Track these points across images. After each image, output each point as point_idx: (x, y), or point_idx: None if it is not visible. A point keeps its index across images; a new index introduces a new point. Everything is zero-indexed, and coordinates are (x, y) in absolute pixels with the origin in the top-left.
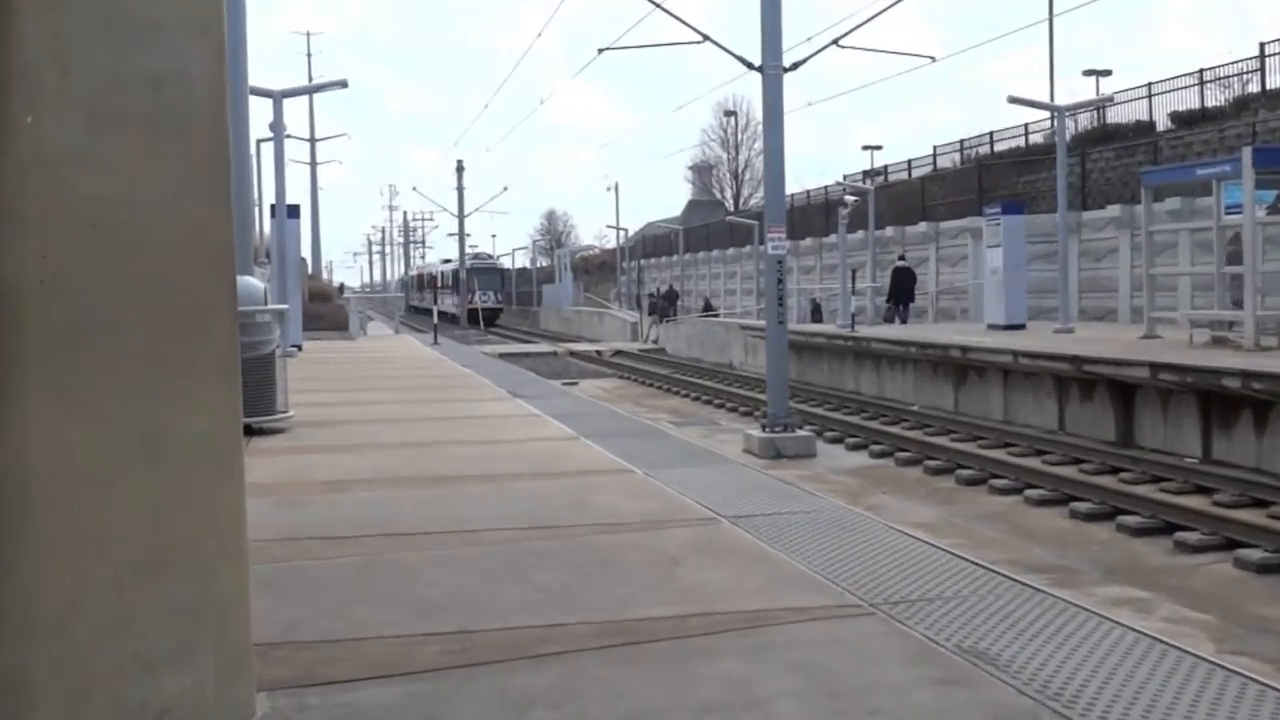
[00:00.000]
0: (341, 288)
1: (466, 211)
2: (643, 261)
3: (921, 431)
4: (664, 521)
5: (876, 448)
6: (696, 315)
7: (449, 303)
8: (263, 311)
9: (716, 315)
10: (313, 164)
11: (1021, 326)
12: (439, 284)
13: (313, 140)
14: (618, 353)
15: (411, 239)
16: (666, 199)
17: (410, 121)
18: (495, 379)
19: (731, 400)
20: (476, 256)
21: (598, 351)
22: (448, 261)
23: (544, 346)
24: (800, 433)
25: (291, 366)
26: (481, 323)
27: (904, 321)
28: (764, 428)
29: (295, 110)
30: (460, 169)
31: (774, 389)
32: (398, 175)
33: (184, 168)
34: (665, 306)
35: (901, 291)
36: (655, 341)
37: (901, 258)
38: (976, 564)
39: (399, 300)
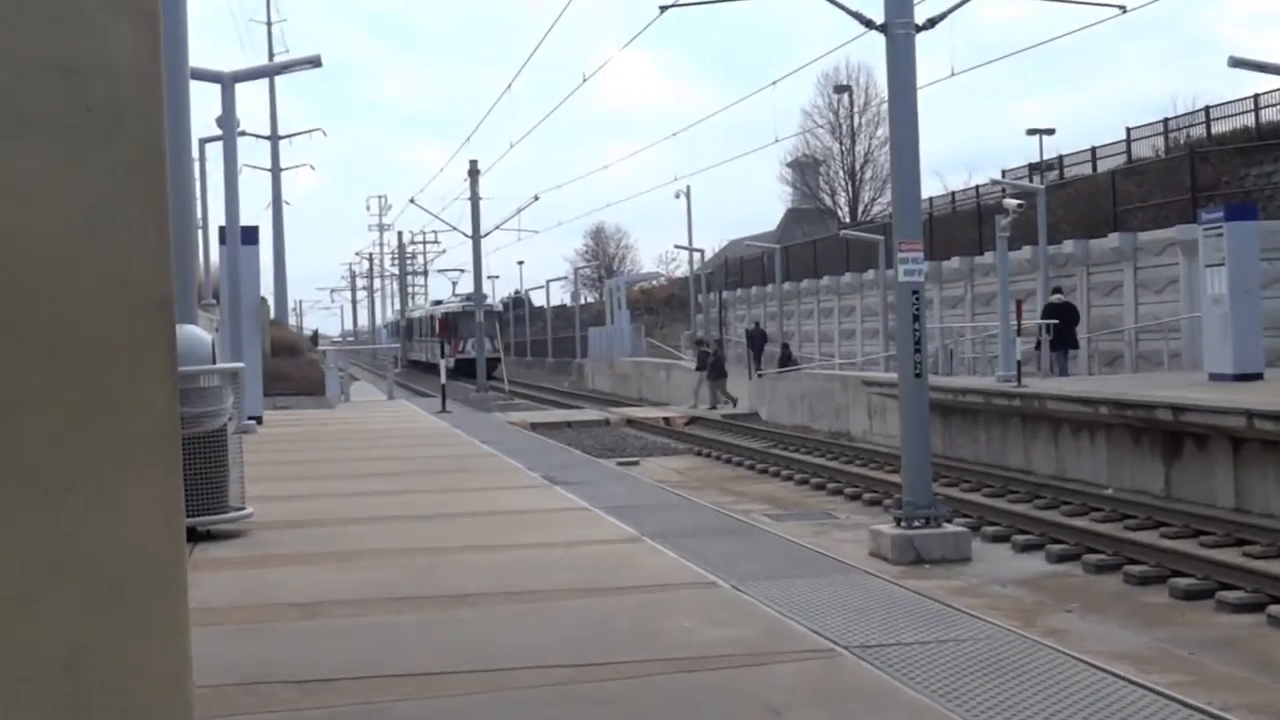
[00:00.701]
0: (315, 337)
1: (484, 230)
2: (725, 294)
3: (1120, 525)
4: (763, 655)
5: (1057, 548)
6: (804, 366)
7: (437, 354)
8: (210, 372)
9: (797, 367)
10: (275, 170)
11: (1258, 376)
12: (420, 331)
13: (274, 138)
14: (693, 420)
15: (410, 269)
16: (757, 209)
17: (408, 111)
18: (526, 459)
19: (852, 483)
20: (468, 299)
21: (666, 419)
22: (438, 304)
23: (591, 413)
24: (949, 528)
25: (250, 446)
26: (478, 376)
27: (1063, 373)
28: (898, 522)
29: (252, 99)
30: (474, 173)
31: (911, 467)
32: (391, 184)
33: (108, 185)
34: (752, 354)
35: (1060, 334)
36: (724, 404)
37: (1057, 289)
38: (1206, 713)
39: (393, 352)
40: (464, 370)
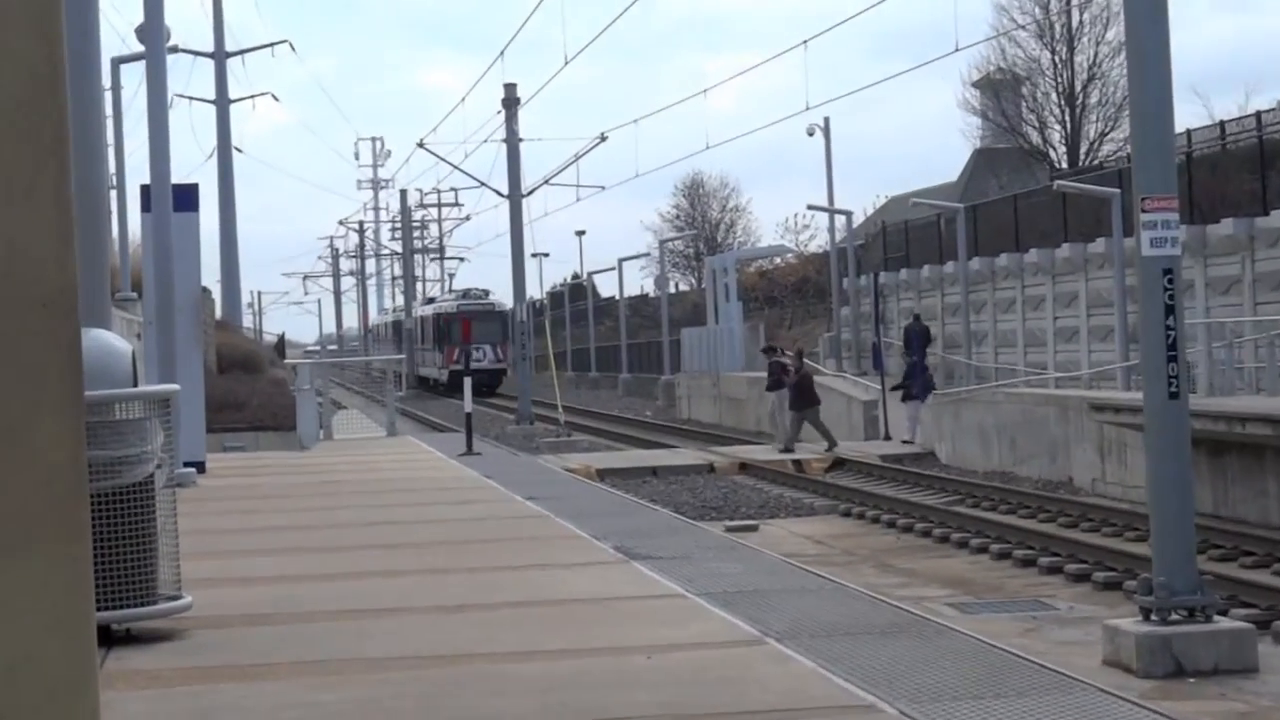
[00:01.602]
0: (282, 346)
1: (526, 185)
2: (884, 278)
3: None
4: None
5: None
6: (999, 384)
7: (431, 365)
8: (129, 399)
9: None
10: (221, 102)
11: None
12: (424, 337)
13: (220, 55)
14: (839, 463)
15: (417, 243)
16: (928, 152)
17: (415, 14)
18: (592, 522)
19: (1076, 557)
20: (466, 295)
21: (797, 463)
22: (430, 301)
23: (686, 453)
24: (1224, 623)
25: (189, 505)
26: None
27: None
28: (1147, 614)
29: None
30: (511, 102)
31: (1166, 532)
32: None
33: None
34: (917, 365)
35: None
36: (817, 447)
37: None
38: None
39: (395, 366)
40: (459, 386)
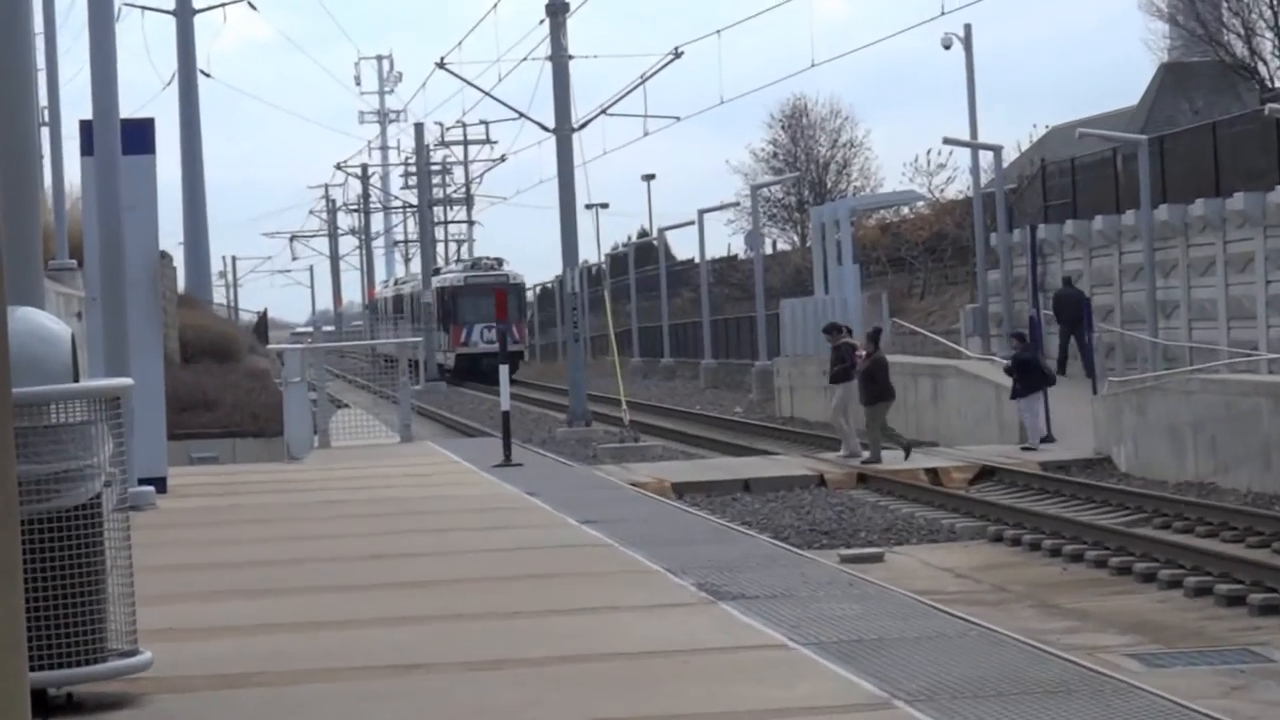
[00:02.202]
0: (264, 326)
1: (579, 117)
2: (1043, 231)
3: None
4: None
5: None
6: (1202, 370)
7: (436, 347)
8: (67, 396)
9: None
10: (183, 12)
11: None
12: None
13: None
14: (986, 471)
15: (438, 194)
16: (1099, 67)
17: None
18: (666, 552)
19: None
20: (476, 265)
21: (932, 472)
22: (436, 273)
23: (788, 461)
24: None
25: (146, 533)
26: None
27: None
28: None
29: None
30: (559, 8)
31: None
32: (399, 34)
33: None
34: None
35: None
36: (870, 453)
37: None
38: None
39: (410, 349)
40: (470, 373)
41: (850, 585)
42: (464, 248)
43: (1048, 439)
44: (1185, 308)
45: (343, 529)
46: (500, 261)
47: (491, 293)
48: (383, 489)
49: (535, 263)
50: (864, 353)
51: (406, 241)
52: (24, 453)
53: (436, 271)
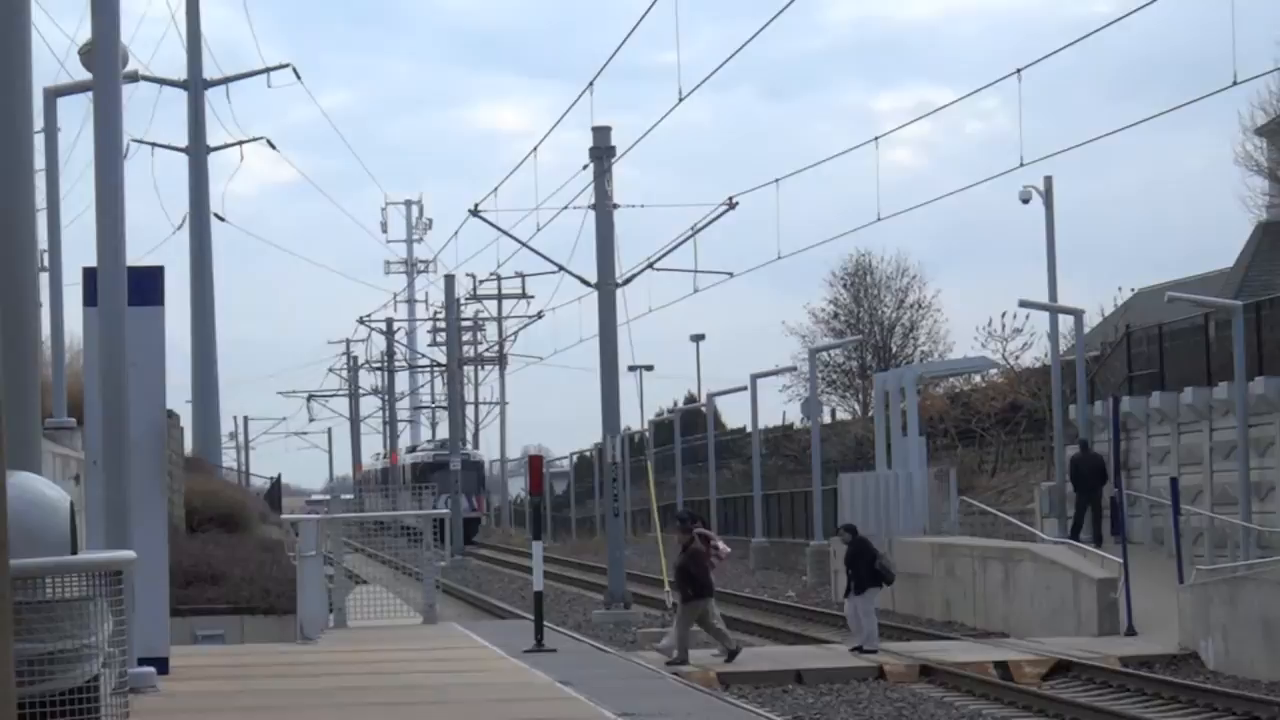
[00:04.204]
0: (276, 493)
1: (623, 271)
2: (1128, 402)
3: None
4: None
5: None
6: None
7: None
8: (65, 569)
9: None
10: (197, 151)
11: None
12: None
13: (195, 85)
14: (1061, 666)
15: (470, 352)
16: (1191, 226)
17: (468, 25)
18: None
19: None
20: (442, 446)
21: (1002, 665)
22: (413, 450)
23: (845, 652)
24: None
25: (146, 718)
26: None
27: None
28: None
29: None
30: (603, 152)
31: None
32: (432, 179)
33: None
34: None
35: None
36: (720, 653)
37: None
38: None
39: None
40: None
41: None
42: (495, 410)
43: (1132, 631)
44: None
45: (360, 718)
46: (464, 441)
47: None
48: (404, 674)
49: (572, 428)
50: (718, 544)
51: (434, 404)
52: (17, 630)
53: (413, 449)
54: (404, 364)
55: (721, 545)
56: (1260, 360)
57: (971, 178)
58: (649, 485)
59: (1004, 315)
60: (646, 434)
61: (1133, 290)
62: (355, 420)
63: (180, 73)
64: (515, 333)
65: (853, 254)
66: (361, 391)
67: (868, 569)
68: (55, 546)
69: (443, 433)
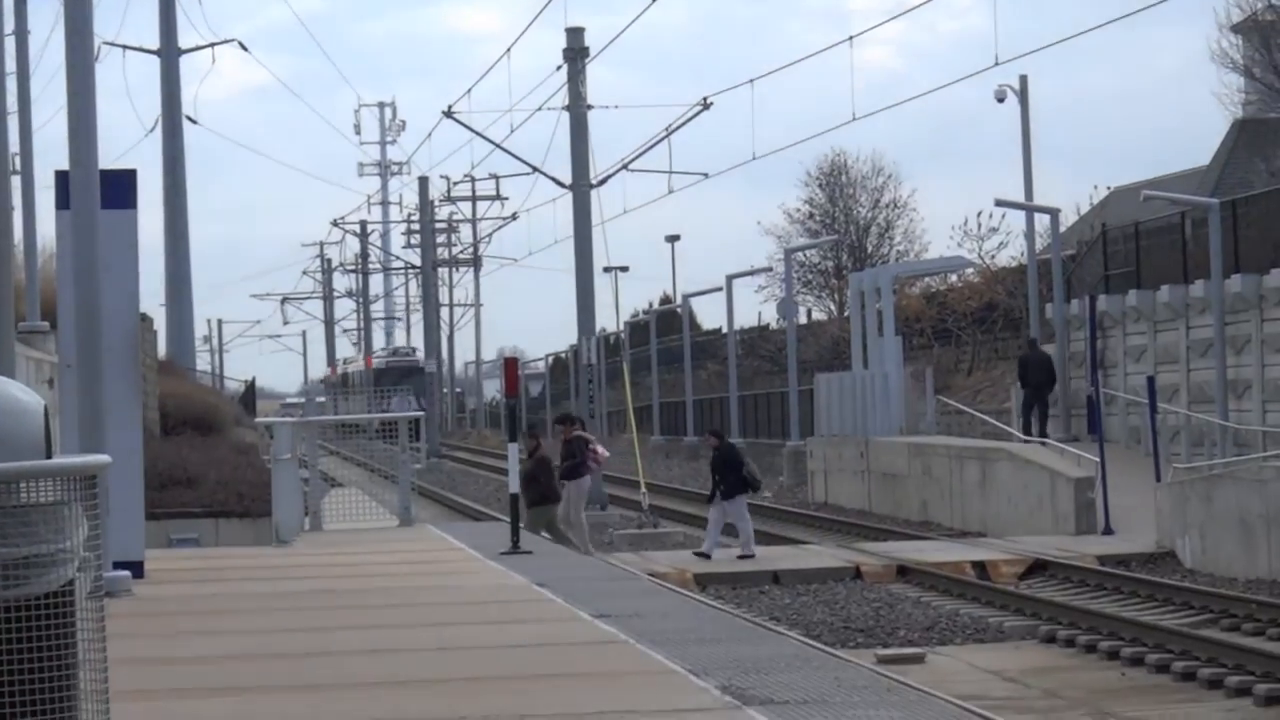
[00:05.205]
0: (251, 396)
1: (598, 172)
2: (1104, 301)
3: None
4: None
5: None
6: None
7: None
8: (38, 473)
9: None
10: (168, 53)
11: None
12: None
13: None
14: (1038, 565)
15: (444, 254)
16: (1166, 124)
17: None
18: (687, 651)
19: None
20: (395, 352)
21: (979, 565)
22: (349, 362)
23: (821, 551)
24: None
25: (123, 623)
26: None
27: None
28: None
29: None
30: (577, 54)
31: None
32: (406, 81)
33: None
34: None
35: None
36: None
37: None
38: None
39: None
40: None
41: (888, 690)
42: (470, 313)
43: (1109, 530)
44: (1259, 387)
45: (335, 621)
46: (413, 349)
47: (404, 373)
48: (379, 577)
49: (548, 330)
50: (596, 448)
51: (408, 305)
52: None
53: (349, 360)
54: (378, 266)
55: (600, 449)
56: (1236, 258)
57: (947, 77)
58: (625, 387)
59: (980, 214)
60: (622, 336)
61: (1109, 189)
62: (330, 323)
63: None
64: (490, 235)
65: (828, 154)
66: (336, 294)
67: (736, 476)
68: (29, 452)
69: (417, 336)
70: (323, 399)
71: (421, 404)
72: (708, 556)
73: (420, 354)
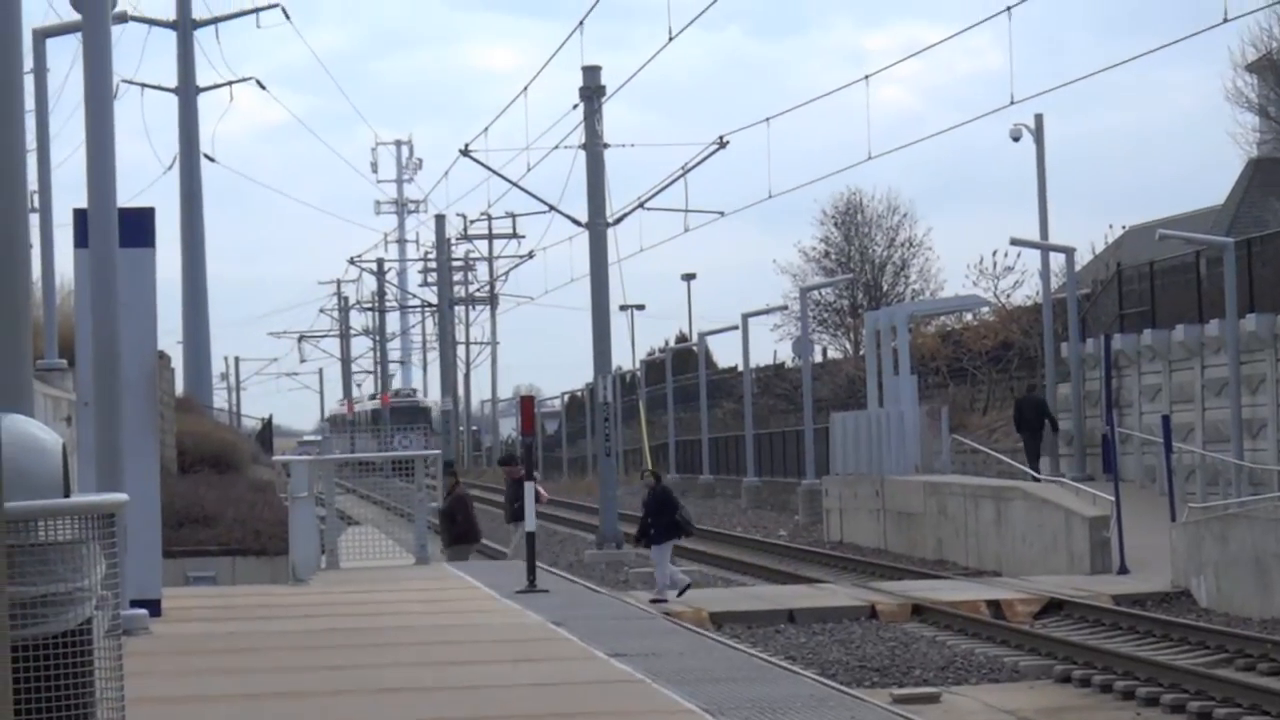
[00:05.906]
0: (268, 434)
1: (614, 210)
2: (1120, 341)
3: None
4: None
5: None
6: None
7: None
8: (56, 512)
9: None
10: (186, 92)
11: None
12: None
13: (185, 25)
14: (1053, 605)
15: (461, 292)
16: (1182, 163)
17: None
18: (702, 691)
19: None
20: (397, 393)
21: (994, 604)
22: (374, 397)
23: (837, 590)
24: None
25: (139, 661)
26: None
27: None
28: None
29: None
30: (593, 92)
31: None
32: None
33: None
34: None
35: None
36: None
37: None
38: None
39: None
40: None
41: None
42: (487, 351)
43: (1124, 569)
44: (1274, 426)
45: (351, 660)
46: (414, 390)
47: (407, 412)
48: (395, 616)
49: (564, 368)
50: (452, 487)
51: (425, 343)
52: (10, 573)
53: (374, 396)
54: (395, 304)
55: (541, 491)
56: (1251, 297)
57: (962, 116)
58: (641, 425)
59: (995, 253)
60: (638, 374)
61: (1124, 228)
62: (346, 360)
63: (169, 13)
64: (506, 273)
65: (844, 192)
66: (352, 332)
67: (669, 519)
68: (48, 489)
69: (433, 374)
70: (321, 437)
71: (426, 442)
72: (664, 601)
73: (420, 394)
